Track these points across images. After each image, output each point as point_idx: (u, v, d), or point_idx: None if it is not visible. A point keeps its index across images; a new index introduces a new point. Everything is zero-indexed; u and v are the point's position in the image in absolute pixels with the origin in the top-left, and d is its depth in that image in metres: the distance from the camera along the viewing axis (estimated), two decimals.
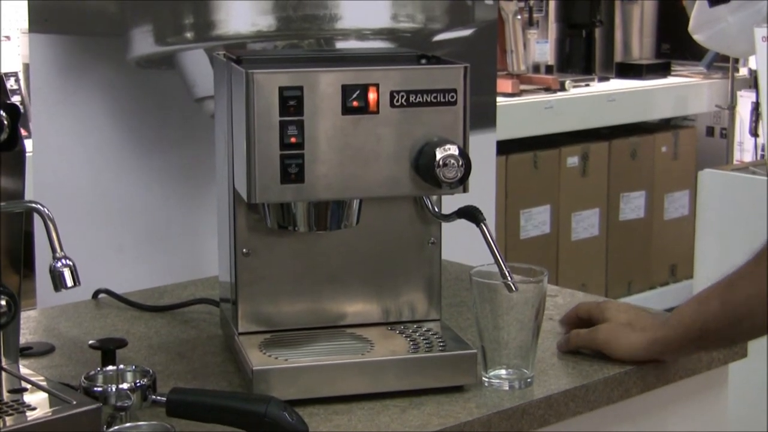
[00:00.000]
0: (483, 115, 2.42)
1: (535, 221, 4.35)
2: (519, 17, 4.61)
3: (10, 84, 3.50)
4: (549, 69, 4.84)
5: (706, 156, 4.94)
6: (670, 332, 1.51)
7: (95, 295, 1.91)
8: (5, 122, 1.33)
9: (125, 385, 1.36)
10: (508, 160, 4.21)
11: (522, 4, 4.70)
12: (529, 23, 4.74)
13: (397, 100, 1.44)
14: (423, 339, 1.53)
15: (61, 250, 1.35)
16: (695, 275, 3.49)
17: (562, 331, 1.65)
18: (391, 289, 1.59)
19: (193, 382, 1.52)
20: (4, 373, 1.39)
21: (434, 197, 1.56)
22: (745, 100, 4.79)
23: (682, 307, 1.52)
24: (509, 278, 1.46)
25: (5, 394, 1.33)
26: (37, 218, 1.38)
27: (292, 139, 1.41)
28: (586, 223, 4.54)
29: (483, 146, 2.37)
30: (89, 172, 2.03)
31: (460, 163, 1.43)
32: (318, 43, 2.18)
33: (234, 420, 1.32)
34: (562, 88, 4.53)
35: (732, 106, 4.88)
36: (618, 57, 5.14)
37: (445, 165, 1.42)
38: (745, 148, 4.78)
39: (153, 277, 2.02)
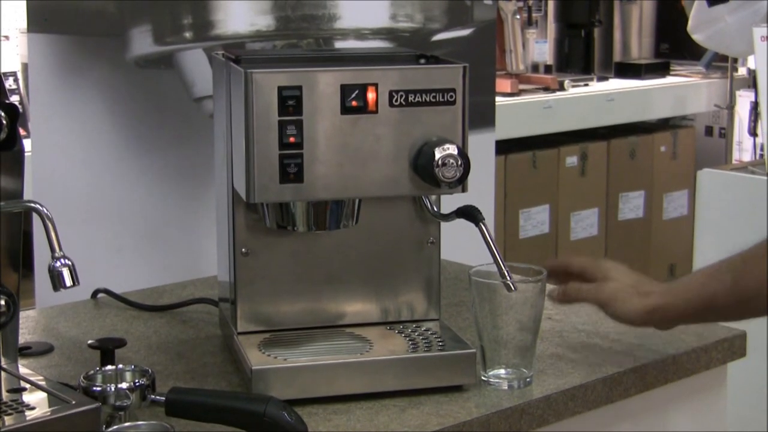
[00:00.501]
0: (482, 115, 2.42)
1: (534, 221, 4.35)
2: (518, 17, 4.61)
3: (9, 84, 3.50)
4: (548, 69, 4.84)
5: (705, 156, 4.94)
6: (675, 300, 1.49)
7: (94, 294, 1.91)
8: (4, 122, 1.33)
9: (124, 385, 1.36)
10: (507, 160, 4.21)
11: (521, 4, 4.69)
12: (528, 23, 4.73)
13: (396, 100, 1.44)
14: (422, 339, 1.53)
15: (60, 249, 1.35)
16: None
17: (554, 282, 1.58)
18: (390, 288, 1.59)
19: (192, 382, 1.52)
20: (3, 373, 1.39)
21: (433, 197, 1.56)
22: (743, 100, 4.79)
23: (689, 277, 1.50)
24: (508, 278, 1.46)
25: (4, 394, 1.33)
26: (36, 218, 1.38)
27: (291, 139, 1.41)
28: (585, 223, 4.54)
29: (482, 146, 2.37)
30: (88, 171, 2.03)
31: (459, 162, 1.43)
32: (317, 43, 2.18)
33: (233, 419, 1.32)
34: (561, 88, 4.53)
35: (731, 106, 4.88)
36: (617, 57, 5.14)
37: (444, 165, 1.42)
38: (743, 148, 4.78)
39: (152, 277, 2.02)
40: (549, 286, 1.53)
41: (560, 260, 1.60)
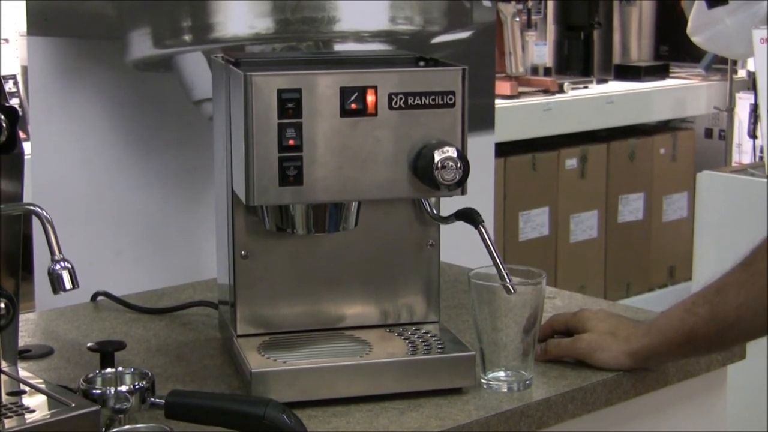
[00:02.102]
0: (481, 117, 2.42)
1: (534, 223, 4.35)
2: (517, 19, 4.61)
3: (9, 87, 3.50)
4: (547, 71, 4.84)
5: (705, 158, 4.94)
6: (655, 339, 1.51)
7: (94, 297, 1.91)
8: (4, 125, 1.33)
9: (124, 388, 1.36)
10: (506, 162, 4.21)
11: (520, 6, 4.70)
12: (528, 25, 4.74)
13: (396, 103, 1.44)
14: (421, 341, 1.53)
15: (60, 252, 1.35)
16: (694, 277, 3.49)
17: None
18: (389, 291, 1.59)
19: (192, 385, 1.52)
20: (3, 376, 1.39)
21: (433, 199, 1.56)
22: (743, 102, 4.79)
23: (666, 314, 1.52)
24: (508, 280, 1.46)
25: (4, 397, 1.33)
26: (35, 221, 1.38)
27: (291, 142, 1.41)
28: (584, 225, 4.54)
29: (481, 148, 2.37)
30: (88, 174, 2.03)
31: (459, 165, 1.43)
32: (316, 46, 2.18)
33: (232, 422, 1.32)
34: (561, 90, 4.53)
35: (730, 108, 4.88)
36: (616, 59, 5.14)
37: (443, 167, 1.42)
38: (743, 150, 4.78)
39: (151, 280, 2.02)
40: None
41: (545, 324, 1.60)
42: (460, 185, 1.44)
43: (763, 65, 3.35)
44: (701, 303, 1.47)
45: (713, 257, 3.27)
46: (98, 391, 1.35)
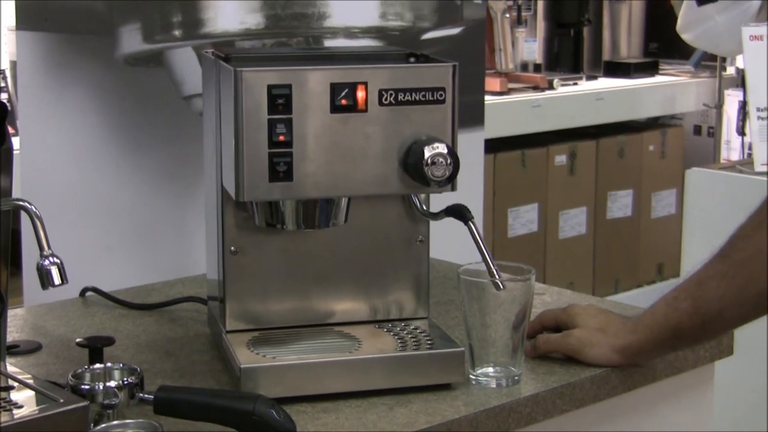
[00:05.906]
0: (471, 114, 2.42)
1: (523, 220, 4.36)
2: (507, 16, 4.61)
3: None
4: (537, 68, 4.84)
5: (694, 155, 4.95)
6: (643, 336, 1.52)
7: (83, 293, 1.90)
8: None
9: (113, 383, 1.36)
10: (496, 159, 4.21)
11: (510, 3, 4.70)
12: (518, 22, 4.74)
13: (386, 99, 1.44)
14: (411, 337, 1.54)
15: (49, 247, 1.35)
16: (682, 274, 3.50)
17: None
18: (379, 287, 1.59)
19: (181, 380, 1.52)
20: None
21: (422, 195, 1.56)
22: (732, 99, 4.80)
23: (651, 311, 1.52)
24: (497, 276, 1.47)
25: None
26: (24, 216, 1.38)
27: (281, 138, 1.41)
28: (573, 222, 4.55)
29: (471, 145, 2.37)
30: (77, 169, 2.03)
31: (449, 161, 1.43)
32: (306, 42, 2.18)
33: (221, 418, 1.32)
34: (551, 87, 4.53)
35: (719, 105, 4.89)
36: (606, 56, 5.15)
37: (433, 163, 1.43)
38: (732, 147, 4.79)
39: (141, 275, 2.01)
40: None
41: (534, 320, 1.61)
42: (450, 181, 1.45)
43: (753, 62, 3.35)
44: (683, 297, 1.48)
45: (701, 254, 3.26)
46: (87, 387, 1.35)
